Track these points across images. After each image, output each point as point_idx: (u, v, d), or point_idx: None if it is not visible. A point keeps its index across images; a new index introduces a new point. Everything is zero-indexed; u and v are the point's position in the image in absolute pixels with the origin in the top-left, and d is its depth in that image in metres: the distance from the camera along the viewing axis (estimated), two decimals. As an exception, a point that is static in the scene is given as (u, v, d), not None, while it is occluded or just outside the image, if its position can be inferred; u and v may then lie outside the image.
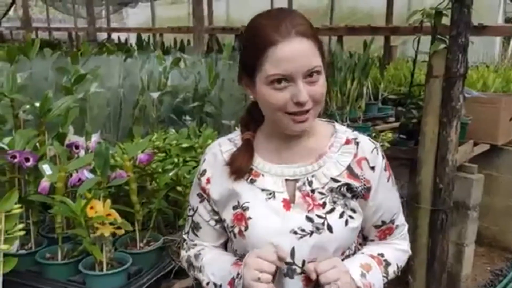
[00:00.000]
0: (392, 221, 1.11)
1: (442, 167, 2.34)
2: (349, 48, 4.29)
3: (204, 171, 1.08)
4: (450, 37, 2.21)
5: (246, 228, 1.01)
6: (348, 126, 1.14)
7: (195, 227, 1.12)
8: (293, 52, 0.93)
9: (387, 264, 1.09)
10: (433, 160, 2.37)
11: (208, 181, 1.07)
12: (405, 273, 2.62)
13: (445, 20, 2.33)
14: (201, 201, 1.10)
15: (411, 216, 2.44)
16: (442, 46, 2.27)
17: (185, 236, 1.16)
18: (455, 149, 2.34)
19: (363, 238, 1.15)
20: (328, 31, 6.08)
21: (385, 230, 1.11)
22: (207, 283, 1.07)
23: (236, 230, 1.02)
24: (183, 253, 1.16)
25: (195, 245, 1.13)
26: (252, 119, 1.08)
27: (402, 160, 2.79)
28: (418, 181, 2.43)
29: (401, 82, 3.89)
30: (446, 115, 2.29)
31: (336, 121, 1.14)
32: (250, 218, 1.01)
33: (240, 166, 1.03)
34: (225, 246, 1.14)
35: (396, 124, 3.15)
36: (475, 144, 2.85)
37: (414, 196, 2.48)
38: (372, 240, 1.13)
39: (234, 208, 1.04)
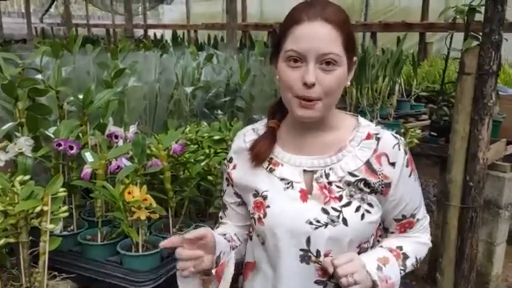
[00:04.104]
0: (412, 215, 1.11)
1: (472, 165, 2.32)
2: (384, 45, 4.24)
3: (231, 158, 1.15)
4: (483, 34, 2.19)
5: (265, 215, 1.05)
6: (378, 123, 1.14)
7: (224, 207, 1.21)
8: (312, 32, 0.96)
9: (406, 257, 1.11)
10: (463, 157, 2.36)
11: (234, 167, 1.14)
12: (434, 270, 2.62)
13: (480, 17, 2.31)
14: (227, 185, 1.17)
15: (441, 214, 2.43)
16: (475, 43, 2.26)
17: (220, 214, 1.24)
18: (486, 147, 2.31)
19: (384, 230, 1.16)
20: (361, 27, 6.04)
21: (405, 224, 1.12)
22: None
23: (256, 216, 1.07)
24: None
25: (222, 223, 1.21)
26: (280, 109, 1.11)
27: (432, 157, 2.77)
28: (448, 179, 2.42)
29: (435, 79, 3.82)
30: (478, 112, 2.27)
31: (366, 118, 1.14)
32: (268, 206, 1.05)
33: (259, 152, 1.07)
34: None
35: (428, 122, 3.13)
36: (509, 143, 2.79)
37: (443, 193, 2.47)
38: (393, 232, 1.15)
39: (254, 195, 1.09)
